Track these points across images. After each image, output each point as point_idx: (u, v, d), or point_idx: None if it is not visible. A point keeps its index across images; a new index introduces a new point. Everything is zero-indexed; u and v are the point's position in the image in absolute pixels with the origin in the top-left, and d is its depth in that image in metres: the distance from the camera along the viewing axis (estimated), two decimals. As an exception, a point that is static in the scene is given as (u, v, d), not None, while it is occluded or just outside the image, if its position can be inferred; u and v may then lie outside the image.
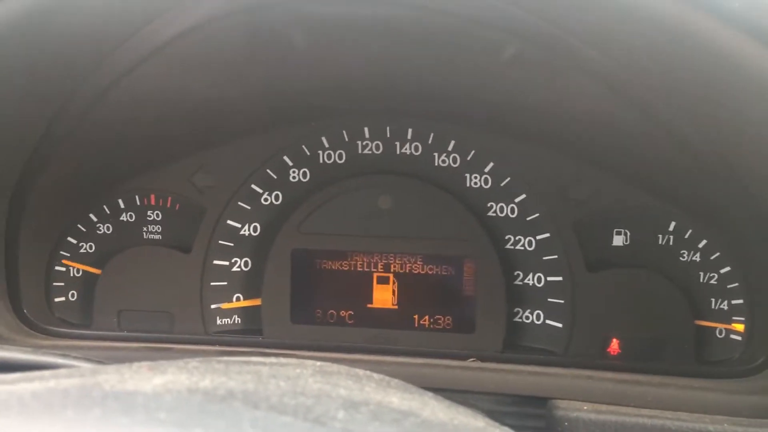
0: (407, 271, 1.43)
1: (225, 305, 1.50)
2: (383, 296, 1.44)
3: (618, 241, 1.40)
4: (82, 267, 1.52)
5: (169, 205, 1.52)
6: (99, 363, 0.86)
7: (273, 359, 0.68)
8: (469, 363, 1.31)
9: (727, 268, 1.35)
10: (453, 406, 0.64)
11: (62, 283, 1.52)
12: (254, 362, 0.64)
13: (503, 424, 0.67)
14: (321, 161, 1.48)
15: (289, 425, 0.43)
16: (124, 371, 0.54)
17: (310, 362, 0.69)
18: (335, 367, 0.68)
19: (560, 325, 1.39)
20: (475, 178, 1.43)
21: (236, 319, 1.51)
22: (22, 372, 0.58)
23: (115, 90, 1.18)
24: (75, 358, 0.93)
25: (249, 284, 1.50)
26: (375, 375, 0.70)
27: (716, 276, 1.36)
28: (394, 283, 1.43)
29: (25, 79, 1.09)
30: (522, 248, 1.42)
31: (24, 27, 0.96)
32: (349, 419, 0.48)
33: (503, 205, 1.43)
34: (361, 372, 0.69)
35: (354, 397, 0.54)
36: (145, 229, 1.52)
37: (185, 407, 0.42)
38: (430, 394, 0.67)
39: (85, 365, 0.83)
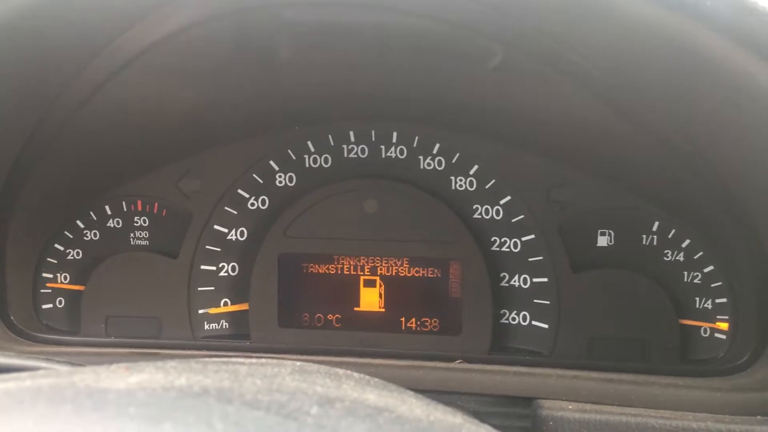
0: (394, 274, 1.43)
1: (212, 310, 1.50)
2: (370, 299, 1.44)
3: (602, 241, 1.40)
4: (68, 276, 1.52)
5: (155, 210, 1.52)
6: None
7: (254, 360, 0.68)
8: (456, 365, 1.31)
9: (711, 267, 1.36)
10: (432, 404, 0.64)
11: (49, 290, 1.51)
12: (234, 362, 0.64)
13: (488, 424, 0.67)
14: (307, 165, 1.48)
15: (260, 420, 0.43)
16: (100, 371, 0.55)
17: (290, 362, 0.69)
18: (315, 366, 0.68)
19: (546, 326, 1.40)
20: (460, 180, 1.44)
21: (224, 324, 1.51)
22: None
23: (99, 96, 1.18)
24: (59, 362, 0.93)
25: (236, 289, 1.50)
26: (355, 374, 0.70)
27: (700, 275, 1.36)
28: (380, 286, 1.43)
29: (7, 85, 1.09)
30: (507, 250, 1.42)
31: (3, 32, 0.96)
32: (323, 414, 0.48)
33: (488, 207, 1.43)
34: (341, 371, 0.69)
35: (330, 393, 0.55)
36: (132, 234, 1.52)
37: (156, 403, 0.42)
38: (411, 393, 0.67)
39: (66, 368, 0.83)
